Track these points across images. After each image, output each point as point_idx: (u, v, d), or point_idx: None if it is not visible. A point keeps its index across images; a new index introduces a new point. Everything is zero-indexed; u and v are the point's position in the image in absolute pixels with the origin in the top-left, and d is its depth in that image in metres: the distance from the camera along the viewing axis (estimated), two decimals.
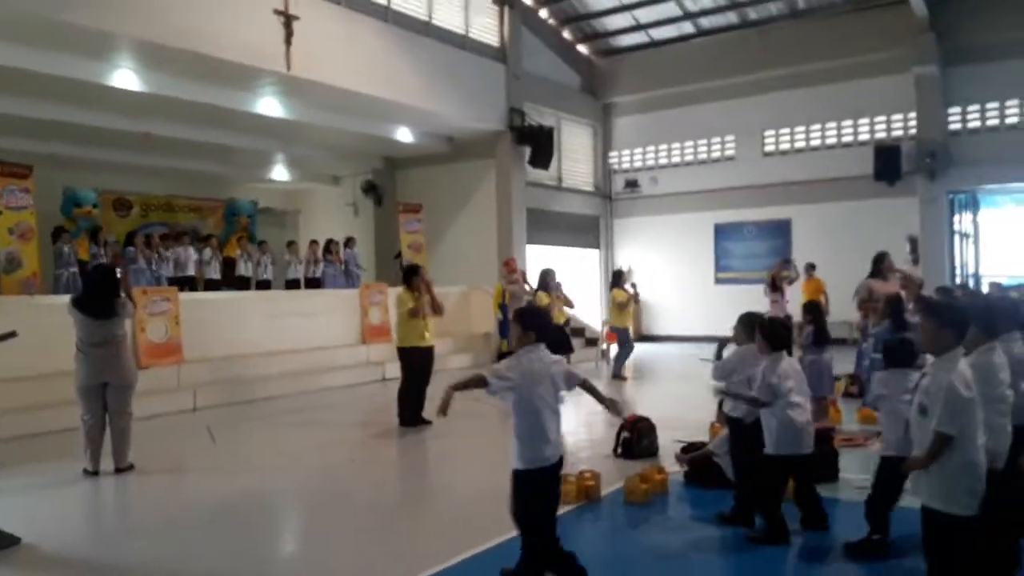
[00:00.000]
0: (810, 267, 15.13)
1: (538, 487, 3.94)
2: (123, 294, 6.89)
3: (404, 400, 8.80)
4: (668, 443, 6.98)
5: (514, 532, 4.13)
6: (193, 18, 11.11)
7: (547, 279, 12.08)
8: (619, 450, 6.99)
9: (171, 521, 5.64)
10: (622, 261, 20.78)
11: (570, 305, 12.55)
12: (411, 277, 8.92)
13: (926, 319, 3.59)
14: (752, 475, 4.94)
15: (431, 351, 8.98)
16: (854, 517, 4.69)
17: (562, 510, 5.30)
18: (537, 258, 17.80)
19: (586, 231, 20.53)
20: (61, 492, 6.36)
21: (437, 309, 8.96)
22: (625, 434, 6.99)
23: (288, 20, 12.36)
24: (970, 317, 3.82)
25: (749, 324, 5.24)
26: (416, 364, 8.79)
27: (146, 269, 13.48)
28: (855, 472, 6.01)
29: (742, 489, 5.10)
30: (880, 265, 9.58)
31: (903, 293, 8.69)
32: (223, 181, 19.29)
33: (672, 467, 6.29)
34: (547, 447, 3.94)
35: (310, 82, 12.94)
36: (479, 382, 3.93)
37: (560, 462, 4.06)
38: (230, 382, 11.16)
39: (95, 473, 6.67)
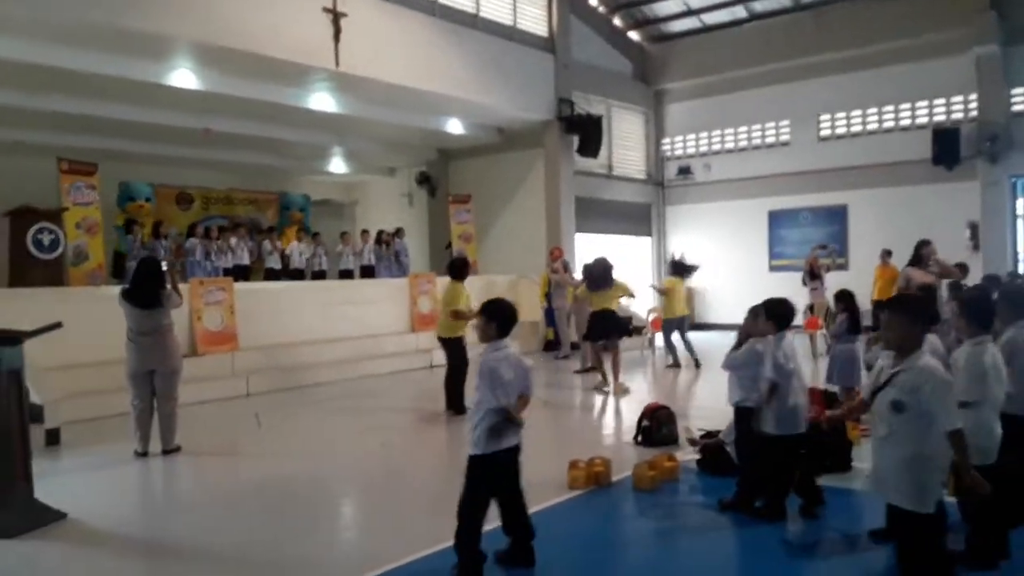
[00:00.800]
0: (886, 253, 14.65)
1: (492, 472, 4.15)
2: (168, 286, 7.32)
3: (450, 387, 9.05)
4: (693, 431, 7.10)
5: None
6: (245, 19, 11.56)
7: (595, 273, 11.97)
8: (639, 438, 7.15)
9: (208, 500, 6.06)
10: (675, 248, 20.69)
11: (630, 295, 12.09)
12: (461, 270, 9.11)
13: (891, 314, 3.63)
14: (757, 460, 5.07)
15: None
16: (865, 506, 4.76)
17: (572, 495, 5.58)
18: (587, 246, 17.95)
19: (638, 219, 20.52)
20: (111, 472, 6.87)
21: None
22: (645, 422, 7.13)
23: (336, 17, 12.73)
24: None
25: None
26: (461, 353, 8.99)
27: (204, 260, 14.13)
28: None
29: (745, 475, 5.21)
30: (920, 252, 9.40)
31: (938, 282, 8.56)
32: (281, 174, 19.95)
33: (687, 455, 6.42)
34: (511, 436, 4.18)
35: (359, 78, 13.31)
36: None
37: (518, 447, 4.26)
38: (282, 369, 11.65)
39: (144, 454, 7.15)
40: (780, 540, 4.73)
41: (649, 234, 20.91)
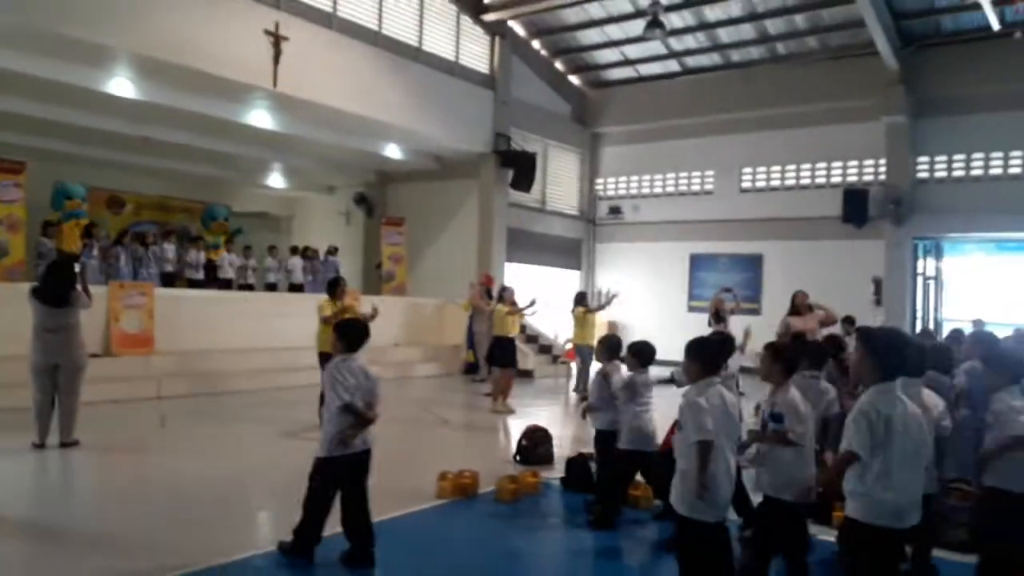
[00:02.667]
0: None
1: (335, 473, 4.62)
2: (79, 287, 7.63)
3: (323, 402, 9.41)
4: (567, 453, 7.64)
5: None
6: (187, 34, 11.88)
7: (502, 294, 12.66)
8: (518, 456, 7.65)
9: (96, 490, 6.40)
10: (603, 284, 21.42)
11: (520, 314, 12.80)
12: (333, 287, 9.58)
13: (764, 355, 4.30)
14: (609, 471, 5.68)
15: None
16: None
17: (436, 503, 6.06)
18: (517, 276, 18.55)
19: (568, 253, 21.23)
20: (6, 461, 7.12)
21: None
22: (524, 442, 7.65)
23: (277, 40, 13.18)
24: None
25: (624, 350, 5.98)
26: None
27: (127, 268, 14.30)
28: None
29: (602, 490, 5.78)
30: (794, 301, 10.18)
31: (817, 330, 9.30)
32: (218, 184, 20.17)
33: (552, 473, 6.97)
34: (358, 442, 4.65)
35: (298, 99, 13.74)
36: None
37: (367, 453, 4.72)
38: (197, 375, 11.91)
39: (41, 446, 7.43)
40: (605, 546, 5.29)
41: (579, 268, 21.60)
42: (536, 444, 7.61)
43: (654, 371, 6.04)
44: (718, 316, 14.99)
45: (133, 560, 4.72)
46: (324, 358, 9.43)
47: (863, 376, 3.66)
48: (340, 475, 4.63)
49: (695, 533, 3.85)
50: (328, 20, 14.43)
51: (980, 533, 4.72)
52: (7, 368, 9.58)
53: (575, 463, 6.75)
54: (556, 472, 7.09)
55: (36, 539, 5.20)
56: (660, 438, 5.86)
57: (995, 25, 13.83)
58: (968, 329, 11.16)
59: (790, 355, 4.63)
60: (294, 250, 17.84)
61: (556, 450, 7.76)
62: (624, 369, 5.98)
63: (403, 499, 6.06)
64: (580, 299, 14.16)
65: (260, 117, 14.56)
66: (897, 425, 3.37)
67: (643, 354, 5.93)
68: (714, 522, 3.86)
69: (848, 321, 12.83)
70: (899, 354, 3.61)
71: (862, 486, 3.36)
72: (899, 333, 3.94)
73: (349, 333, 4.82)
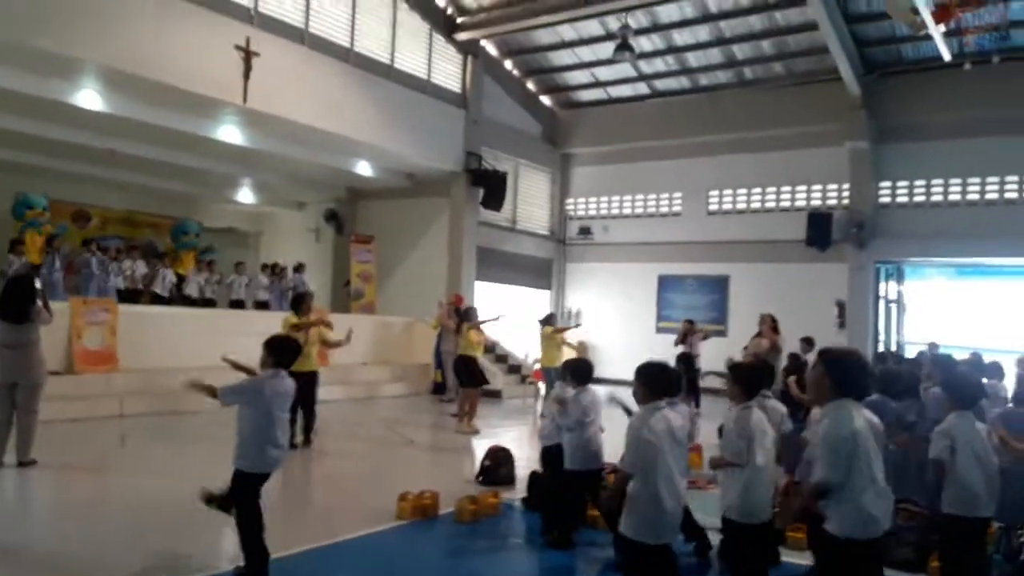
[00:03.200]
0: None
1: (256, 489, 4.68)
2: (39, 303, 7.55)
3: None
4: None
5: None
6: (155, 48, 11.82)
7: (468, 313, 12.70)
8: (480, 477, 7.68)
9: (53, 509, 6.30)
10: (572, 304, 21.61)
11: (481, 335, 12.79)
12: (299, 303, 9.58)
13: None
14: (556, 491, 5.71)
15: (313, 375, 9.39)
16: None
17: (395, 524, 6.07)
18: (487, 295, 18.62)
19: (539, 273, 21.33)
20: None
21: (327, 343, 9.63)
22: (487, 462, 7.68)
23: (248, 56, 13.18)
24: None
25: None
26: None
27: (100, 272, 14.18)
28: None
29: (550, 508, 5.81)
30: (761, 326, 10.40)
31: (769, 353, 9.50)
32: (186, 199, 20.01)
33: (513, 493, 7.01)
34: (274, 451, 4.70)
35: (267, 115, 13.73)
36: (212, 391, 4.74)
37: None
38: (159, 393, 11.71)
39: None
40: (561, 565, 5.33)
41: (549, 288, 21.71)
42: (499, 464, 7.64)
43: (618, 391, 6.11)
44: (684, 340, 15.29)
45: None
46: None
47: (820, 394, 3.81)
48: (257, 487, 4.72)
49: (638, 555, 3.90)
50: (300, 36, 14.47)
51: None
52: None
53: (536, 482, 6.77)
54: (519, 492, 7.12)
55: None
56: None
57: (946, 56, 14.21)
58: (923, 352, 11.47)
59: (748, 375, 4.76)
60: (264, 268, 17.76)
61: (520, 471, 7.79)
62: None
63: (363, 519, 6.07)
64: (548, 320, 14.21)
65: (229, 132, 14.52)
66: (862, 437, 3.62)
67: (580, 371, 6.03)
68: (655, 544, 3.91)
69: (806, 341, 13.06)
70: (859, 374, 3.86)
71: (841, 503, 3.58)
72: (859, 355, 4.06)
73: (279, 349, 4.88)
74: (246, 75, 13.15)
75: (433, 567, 5.37)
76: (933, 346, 13.45)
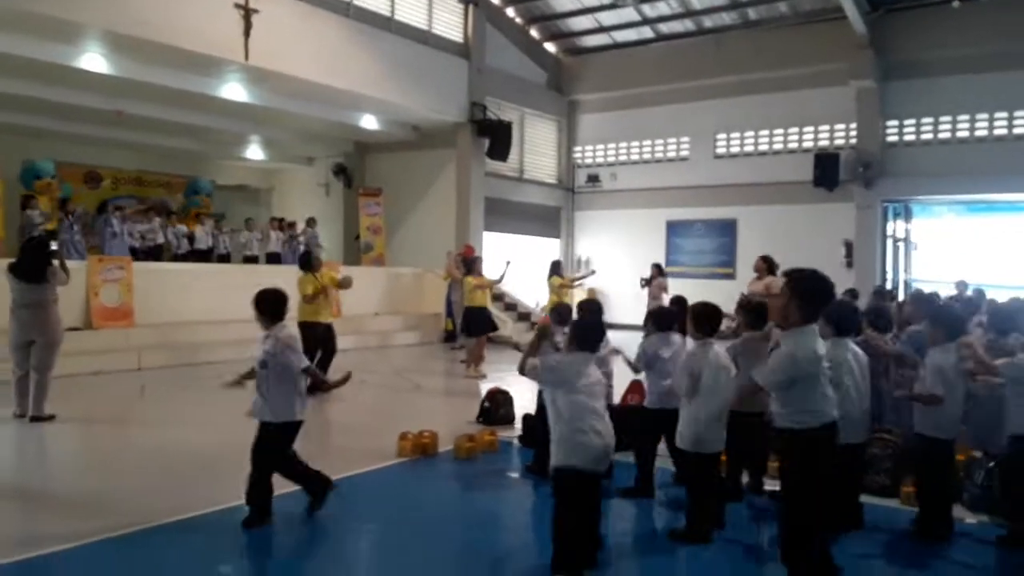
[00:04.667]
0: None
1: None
2: (56, 263, 7.85)
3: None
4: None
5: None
6: (155, 9, 11.96)
7: (472, 264, 12.88)
8: (480, 418, 7.99)
9: (75, 457, 6.68)
10: (581, 251, 21.79)
11: (489, 285, 12.93)
12: (307, 262, 9.78)
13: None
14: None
15: (330, 328, 9.74)
16: None
17: (397, 461, 6.40)
18: (496, 245, 18.85)
19: (547, 221, 21.47)
20: None
21: (344, 284, 9.95)
22: (486, 404, 7.99)
23: (247, 13, 13.25)
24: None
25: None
26: (312, 339, 9.34)
27: (121, 230, 14.58)
28: None
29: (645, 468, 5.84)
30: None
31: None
32: (196, 158, 20.26)
33: (511, 432, 7.33)
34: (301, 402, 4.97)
35: (270, 71, 13.84)
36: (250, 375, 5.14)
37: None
38: (176, 347, 12.18)
39: (22, 416, 7.70)
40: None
41: (558, 236, 21.86)
42: (498, 406, 7.95)
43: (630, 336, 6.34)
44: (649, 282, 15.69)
45: (113, 517, 4.95)
46: (303, 327, 9.69)
47: (788, 317, 4.06)
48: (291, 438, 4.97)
49: (561, 481, 4.19)
50: None
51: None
52: None
53: (530, 419, 7.03)
54: (516, 431, 7.42)
55: (12, 500, 5.51)
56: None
57: None
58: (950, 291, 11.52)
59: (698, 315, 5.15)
60: (272, 221, 18.08)
61: (519, 412, 8.08)
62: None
63: (364, 458, 6.41)
64: (555, 268, 14.36)
65: (234, 90, 14.65)
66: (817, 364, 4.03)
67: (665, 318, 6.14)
68: (581, 469, 4.13)
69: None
70: (824, 299, 4.19)
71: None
72: (824, 279, 4.22)
73: (270, 302, 5.06)
74: (246, 33, 13.23)
75: (429, 499, 5.69)
76: (961, 285, 13.26)
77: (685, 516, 4.91)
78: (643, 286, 16.08)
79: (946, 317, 5.24)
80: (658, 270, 16.23)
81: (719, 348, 4.97)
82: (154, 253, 15.46)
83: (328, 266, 15.00)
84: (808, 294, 4.06)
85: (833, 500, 5.05)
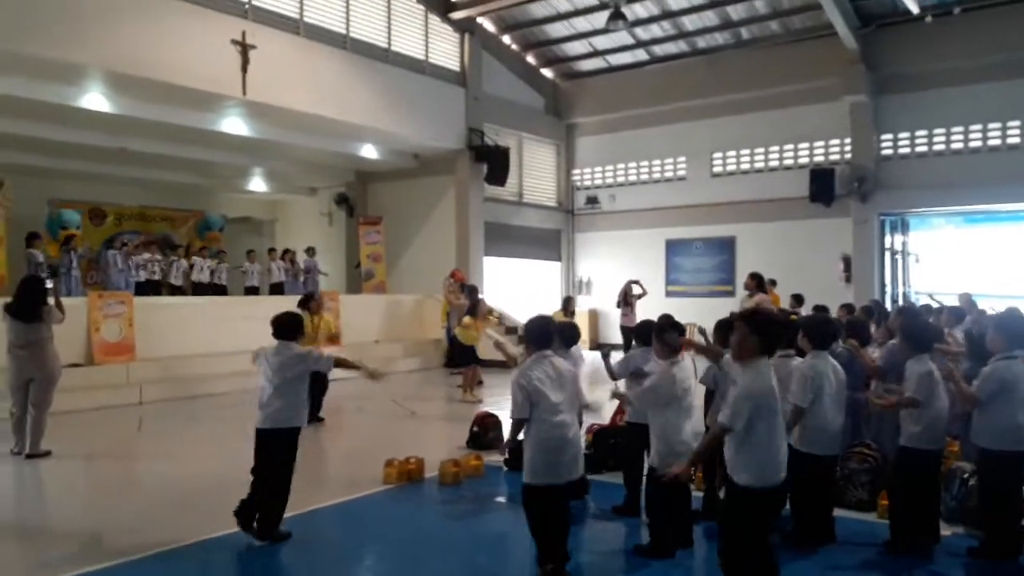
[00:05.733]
0: (771, 282, 15.48)
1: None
2: (52, 301, 8.02)
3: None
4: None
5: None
6: (154, 49, 12.23)
7: (476, 305, 12.75)
8: (469, 443, 8.08)
9: (71, 491, 6.81)
10: (583, 273, 21.90)
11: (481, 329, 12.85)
12: (308, 302, 9.89)
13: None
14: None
15: None
16: None
17: (382, 489, 6.50)
18: (496, 270, 19.01)
19: (548, 244, 21.61)
20: None
21: (333, 340, 10.07)
22: (475, 428, 8.08)
23: (245, 49, 13.54)
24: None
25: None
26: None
27: (124, 267, 14.84)
28: None
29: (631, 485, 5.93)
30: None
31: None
32: (199, 192, 20.56)
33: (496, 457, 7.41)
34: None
35: (268, 106, 14.11)
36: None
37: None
38: (176, 380, 12.32)
39: (19, 453, 7.84)
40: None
41: (559, 259, 21.99)
42: (487, 430, 8.03)
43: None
44: (626, 301, 15.80)
45: (101, 549, 5.10)
46: None
47: (743, 352, 4.10)
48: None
49: (531, 496, 4.55)
50: (295, 26, 14.80)
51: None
52: None
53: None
54: (490, 456, 7.50)
55: (9, 536, 5.64)
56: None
57: (914, 9, 14.39)
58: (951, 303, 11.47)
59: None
60: (270, 252, 18.33)
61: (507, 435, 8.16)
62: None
63: (351, 486, 6.51)
64: (566, 304, 14.32)
65: (234, 124, 14.91)
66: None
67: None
68: (545, 485, 4.51)
69: (795, 298, 13.32)
70: (779, 333, 4.27)
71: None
72: (774, 316, 4.37)
73: (280, 325, 5.48)
74: (244, 68, 13.51)
75: (408, 526, 5.77)
76: (965, 297, 13.14)
77: (649, 532, 5.04)
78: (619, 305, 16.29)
79: (910, 330, 5.34)
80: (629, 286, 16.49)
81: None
82: (155, 287, 15.68)
83: (330, 296, 15.22)
84: (762, 326, 4.08)
85: (807, 514, 5.16)
